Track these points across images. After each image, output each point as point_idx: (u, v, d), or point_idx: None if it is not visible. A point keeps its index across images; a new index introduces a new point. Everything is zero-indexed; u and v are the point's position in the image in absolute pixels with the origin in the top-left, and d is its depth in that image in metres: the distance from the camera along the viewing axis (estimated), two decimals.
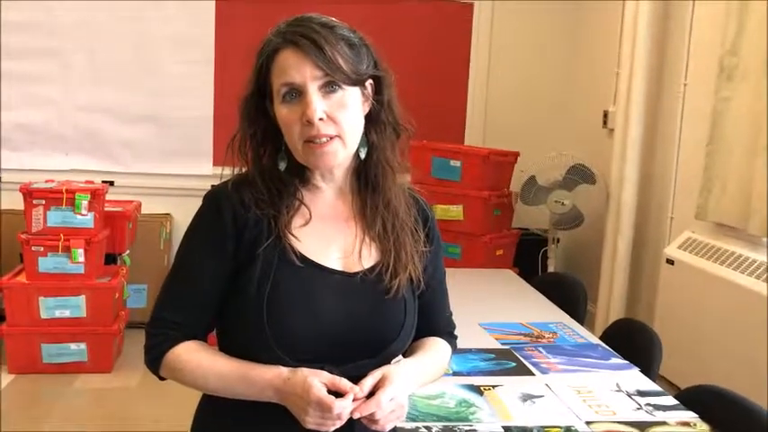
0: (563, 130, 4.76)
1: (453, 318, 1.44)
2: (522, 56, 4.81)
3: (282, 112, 1.18)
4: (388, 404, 1.14)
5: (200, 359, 1.19)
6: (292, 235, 1.20)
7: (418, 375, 1.27)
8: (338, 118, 1.17)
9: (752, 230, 3.04)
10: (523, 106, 4.82)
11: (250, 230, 1.19)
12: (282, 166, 1.22)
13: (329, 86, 1.16)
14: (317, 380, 1.12)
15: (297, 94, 1.16)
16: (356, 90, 1.20)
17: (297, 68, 1.15)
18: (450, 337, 1.42)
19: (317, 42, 1.15)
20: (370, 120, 1.24)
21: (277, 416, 1.16)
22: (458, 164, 4.10)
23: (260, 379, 1.15)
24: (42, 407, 3.26)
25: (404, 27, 4.57)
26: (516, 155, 4.23)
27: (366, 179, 1.27)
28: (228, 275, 1.20)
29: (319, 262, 1.21)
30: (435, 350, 1.36)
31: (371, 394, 1.14)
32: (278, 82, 1.17)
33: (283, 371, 1.14)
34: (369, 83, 1.22)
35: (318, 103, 1.15)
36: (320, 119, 1.15)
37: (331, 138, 1.17)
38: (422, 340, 1.35)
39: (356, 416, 1.12)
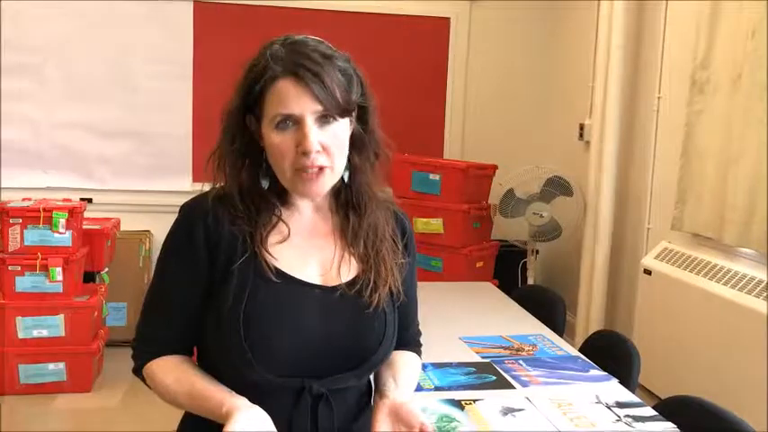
0: (540, 143, 4.81)
1: (432, 331, 1.48)
2: (498, 70, 4.86)
3: (274, 139, 1.17)
4: None
5: (168, 381, 1.20)
6: (267, 251, 1.21)
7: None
8: (331, 149, 1.18)
9: (727, 241, 3.09)
10: (501, 120, 4.86)
11: (224, 247, 1.20)
12: (265, 184, 1.23)
13: (324, 119, 1.17)
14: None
15: (292, 123, 1.17)
16: (346, 119, 1.21)
17: (296, 100, 1.15)
18: (416, 346, 1.45)
19: (319, 76, 1.15)
20: (353, 144, 1.25)
21: None
22: (437, 177, 4.12)
23: (208, 407, 1.16)
24: (21, 428, 3.22)
25: (381, 41, 4.60)
26: (494, 168, 4.26)
27: (347, 200, 1.28)
28: (204, 291, 1.21)
29: (297, 277, 1.22)
30: (412, 366, 1.38)
31: None
32: (274, 110, 1.17)
33: (224, 404, 1.13)
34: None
35: (315, 135, 1.16)
36: (317, 151, 1.16)
37: (322, 168, 1.18)
38: (398, 356, 1.36)
39: None
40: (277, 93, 1.17)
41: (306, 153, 1.16)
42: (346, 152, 1.22)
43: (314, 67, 1.16)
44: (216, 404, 1.13)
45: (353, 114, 1.23)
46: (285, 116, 1.16)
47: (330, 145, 1.18)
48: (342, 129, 1.20)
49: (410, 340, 1.42)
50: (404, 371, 1.33)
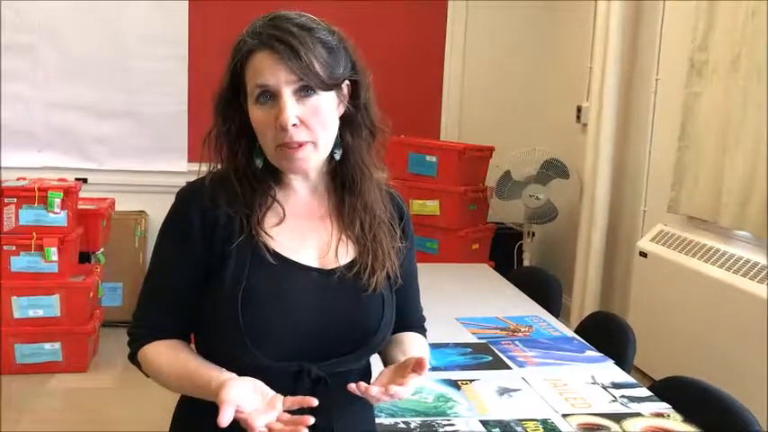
0: (537, 126, 4.80)
1: (429, 312, 1.45)
2: (495, 52, 4.83)
3: (256, 113, 1.16)
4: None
5: (161, 363, 1.20)
6: (265, 233, 1.20)
7: None
8: (312, 124, 1.16)
9: (722, 223, 3.10)
10: (498, 102, 4.84)
11: (221, 229, 1.19)
12: (259, 163, 1.21)
13: (304, 91, 1.15)
14: (234, 388, 1.07)
15: (271, 96, 1.15)
16: (331, 94, 1.18)
17: (271, 72, 1.14)
18: (423, 331, 1.43)
19: (293, 46, 1.13)
20: (346, 121, 1.23)
21: None
22: (434, 159, 4.11)
23: (199, 386, 1.14)
24: (16, 407, 3.22)
25: (378, 23, 4.56)
26: (491, 150, 4.25)
27: (342, 180, 1.26)
28: (201, 275, 1.20)
29: (294, 259, 1.21)
30: (422, 346, 1.36)
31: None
32: (252, 83, 1.16)
33: (212, 379, 1.11)
34: (345, 84, 1.21)
35: (292, 109, 1.14)
36: (294, 125, 1.14)
37: (304, 144, 1.16)
38: (405, 335, 1.35)
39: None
40: (253, 66, 1.16)
41: (282, 127, 1.14)
42: (332, 127, 1.20)
43: (289, 39, 1.13)
44: (206, 382, 1.12)
45: (344, 90, 1.21)
46: (262, 88, 1.15)
47: (309, 119, 1.15)
48: (325, 103, 1.17)
49: (414, 325, 1.41)
50: (413, 348, 1.32)
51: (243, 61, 1.16)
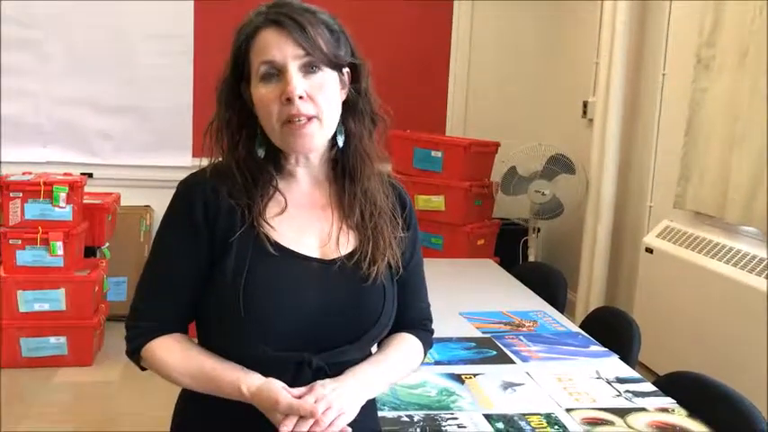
0: (543, 121, 4.79)
1: (433, 307, 1.42)
2: (502, 47, 4.82)
3: (261, 91, 1.17)
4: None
5: (173, 361, 1.19)
6: (267, 223, 1.20)
7: (371, 382, 1.24)
8: (317, 99, 1.17)
9: (728, 219, 3.09)
10: (504, 97, 4.83)
11: (223, 220, 1.19)
12: (261, 152, 1.22)
13: (309, 67, 1.16)
14: (278, 386, 1.13)
15: (276, 73, 1.16)
16: (334, 74, 1.20)
17: (278, 47, 1.15)
18: (423, 329, 1.39)
19: (299, 22, 1.16)
20: (348, 108, 1.24)
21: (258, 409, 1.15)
22: (439, 154, 4.10)
23: (224, 389, 1.16)
24: (22, 401, 3.23)
25: (385, 20, 4.55)
26: (497, 145, 4.24)
27: (343, 168, 1.26)
28: (203, 266, 1.19)
29: (295, 250, 1.21)
30: (399, 350, 1.33)
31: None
32: (257, 60, 1.17)
33: (241, 383, 1.14)
34: (345, 70, 1.22)
35: (299, 82, 1.15)
36: (300, 97, 1.15)
37: (309, 118, 1.16)
38: (388, 339, 1.33)
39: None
40: (259, 43, 1.17)
41: (290, 100, 1.15)
42: (336, 106, 1.21)
43: (295, 16, 1.16)
44: (231, 384, 1.14)
45: (345, 74, 1.22)
46: (268, 64, 1.16)
47: (315, 94, 1.16)
48: (329, 80, 1.19)
49: (415, 320, 1.37)
50: (384, 356, 1.29)
51: (248, 41, 1.18)
